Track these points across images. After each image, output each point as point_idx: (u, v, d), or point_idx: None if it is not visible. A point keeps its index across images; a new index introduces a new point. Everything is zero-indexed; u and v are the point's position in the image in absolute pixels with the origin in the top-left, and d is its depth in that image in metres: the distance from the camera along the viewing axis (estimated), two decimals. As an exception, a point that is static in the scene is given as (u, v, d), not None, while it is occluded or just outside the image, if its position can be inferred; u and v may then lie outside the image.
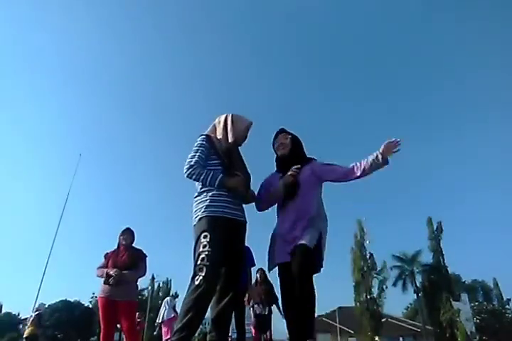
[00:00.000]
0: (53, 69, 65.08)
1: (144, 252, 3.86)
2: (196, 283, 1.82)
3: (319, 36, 64.91)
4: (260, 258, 4.42)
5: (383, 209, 55.93)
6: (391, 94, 59.43)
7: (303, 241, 2.10)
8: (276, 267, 2.31)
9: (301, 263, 2.03)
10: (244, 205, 2.26)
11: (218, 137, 2.28)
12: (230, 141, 2.24)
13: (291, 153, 2.44)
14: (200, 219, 2.02)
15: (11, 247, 56.26)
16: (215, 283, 1.91)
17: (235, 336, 4.68)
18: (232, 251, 2.03)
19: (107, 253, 3.82)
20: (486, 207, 50.51)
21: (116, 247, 3.84)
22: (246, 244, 4.53)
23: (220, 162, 2.13)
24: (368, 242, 24.59)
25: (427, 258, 26.15)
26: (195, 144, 2.19)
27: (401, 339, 17.60)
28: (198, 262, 1.88)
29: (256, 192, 2.42)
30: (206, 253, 1.88)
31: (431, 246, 24.86)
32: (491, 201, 51.36)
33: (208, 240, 1.92)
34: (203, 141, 2.19)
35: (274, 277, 5.77)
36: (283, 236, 2.28)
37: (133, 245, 3.87)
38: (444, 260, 24.30)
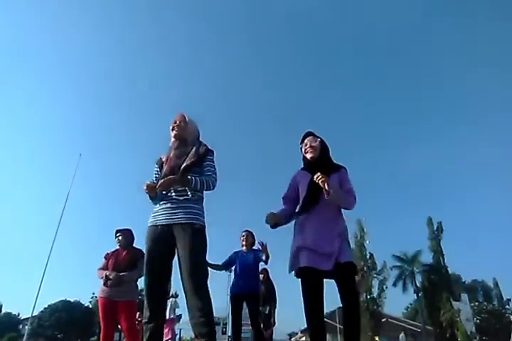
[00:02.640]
0: (52, 68, 65.13)
1: (144, 252, 3.85)
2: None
3: (320, 36, 64.94)
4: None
5: (383, 209, 55.97)
6: (390, 95, 59.46)
7: (349, 259, 2.12)
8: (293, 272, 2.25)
9: (354, 287, 2.14)
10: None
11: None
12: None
13: (321, 157, 2.44)
14: None
15: (11, 247, 56.27)
16: (152, 281, 2.19)
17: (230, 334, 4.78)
18: (166, 254, 2.22)
19: (107, 254, 3.84)
20: (486, 207, 50.59)
21: (116, 247, 3.85)
22: (255, 247, 4.43)
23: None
24: (368, 242, 24.63)
25: (427, 258, 26.19)
26: None
27: (402, 333, 17.57)
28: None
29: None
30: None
31: (431, 246, 24.89)
32: (491, 201, 51.43)
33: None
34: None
35: (274, 277, 5.75)
36: (313, 245, 2.19)
37: (133, 245, 3.87)
38: (444, 260, 24.34)
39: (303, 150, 2.51)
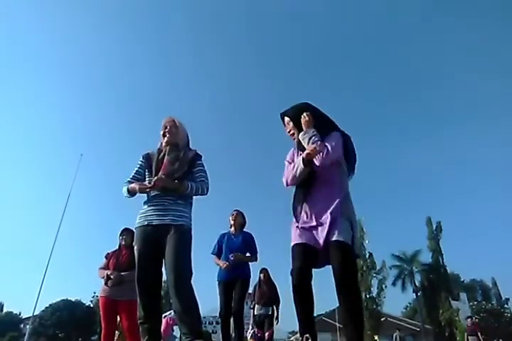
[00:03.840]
0: (53, 68, 65.10)
1: (135, 252, 3.89)
2: None
3: (321, 36, 64.86)
4: (264, 258, 4.33)
5: (383, 209, 55.98)
6: (391, 94, 59.43)
7: (340, 238, 1.86)
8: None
9: (346, 270, 1.82)
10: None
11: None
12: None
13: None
14: None
15: (13, 246, 56.33)
16: (143, 280, 2.28)
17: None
18: (164, 255, 2.23)
19: (108, 254, 3.87)
20: (485, 207, 50.61)
21: (117, 247, 3.88)
22: (247, 231, 4.06)
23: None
24: (367, 242, 24.67)
25: (426, 257, 26.27)
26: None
27: (397, 332, 17.59)
28: None
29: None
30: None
31: (430, 246, 24.94)
32: (490, 201, 51.43)
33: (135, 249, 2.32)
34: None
35: (275, 278, 5.69)
36: (306, 222, 2.04)
37: (133, 245, 3.92)
38: (443, 259, 24.41)
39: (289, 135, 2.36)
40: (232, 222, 4.15)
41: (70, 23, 58.22)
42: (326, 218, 1.96)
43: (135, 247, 2.32)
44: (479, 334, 12.45)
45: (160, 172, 2.31)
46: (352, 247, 1.90)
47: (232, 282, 3.88)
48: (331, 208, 1.98)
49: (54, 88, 63.72)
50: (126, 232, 3.91)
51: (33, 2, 62.42)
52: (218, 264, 4.02)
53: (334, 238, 1.88)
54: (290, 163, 2.22)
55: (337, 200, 2.00)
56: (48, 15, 60.22)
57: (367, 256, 24.39)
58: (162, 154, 2.41)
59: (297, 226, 2.08)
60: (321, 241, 1.93)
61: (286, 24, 63.48)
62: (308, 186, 2.10)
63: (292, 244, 2.03)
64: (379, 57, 58.43)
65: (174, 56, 66.52)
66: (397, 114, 58.46)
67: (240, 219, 4.17)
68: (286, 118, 2.30)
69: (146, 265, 2.24)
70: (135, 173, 2.48)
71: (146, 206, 2.37)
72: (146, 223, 2.29)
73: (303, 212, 2.09)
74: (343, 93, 61.08)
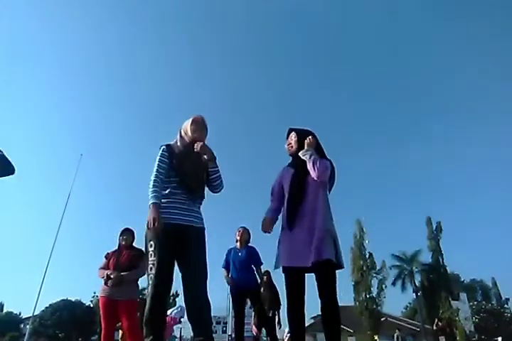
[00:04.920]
0: (54, 67, 65.13)
1: (145, 252, 3.90)
2: (149, 290, 2.09)
3: (322, 37, 64.87)
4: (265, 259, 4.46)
5: (383, 209, 55.99)
6: (390, 94, 59.42)
7: (327, 257, 2.11)
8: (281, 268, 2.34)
9: (331, 285, 2.15)
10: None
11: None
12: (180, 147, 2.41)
13: (299, 150, 2.49)
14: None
15: (13, 246, 56.33)
16: (163, 289, 2.11)
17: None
18: (187, 259, 2.18)
19: (108, 254, 3.88)
20: (485, 207, 50.61)
21: (116, 247, 3.89)
22: (251, 244, 4.48)
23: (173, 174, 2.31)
24: (367, 242, 24.69)
25: (426, 257, 26.24)
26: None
27: (397, 332, 17.68)
28: (148, 271, 2.13)
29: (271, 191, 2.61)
30: (153, 263, 2.12)
31: (430, 246, 24.91)
32: (490, 201, 51.45)
33: (152, 250, 2.15)
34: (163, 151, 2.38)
35: (276, 281, 5.72)
36: (295, 240, 2.26)
37: (133, 245, 3.91)
38: (443, 259, 24.37)
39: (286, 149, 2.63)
40: (238, 238, 4.51)
41: (71, 23, 58.24)
42: (314, 234, 2.19)
43: (154, 241, 2.16)
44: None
45: (184, 164, 2.30)
46: (335, 263, 2.18)
47: (244, 293, 4.32)
48: (318, 224, 2.21)
49: (54, 88, 63.72)
50: (127, 232, 3.92)
51: (33, 2, 62.42)
52: (226, 279, 4.43)
53: (322, 257, 2.11)
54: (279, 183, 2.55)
55: (322, 216, 2.25)
56: (48, 15, 60.22)
57: (367, 256, 24.39)
58: (187, 147, 2.37)
59: (286, 238, 2.33)
60: (310, 261, 2.14)
61: (287, 24, 63.48)
62: (300, 199, 2.32)
63: (284, 264, 2.29)
64: (379, 57, 58.44)
65: (175, 55, 66.54)
66: (397, 114, 58.48)
67: (245, 236, 4.51)
68: (294, 133, 2.58)
69: (167, 264, 2.14)
70: (160, 169, 2.30)
71: (168, 201, 2.25)
72: (169, 220, 2.18)
73: (293, 223, 2.31)
74: (344, 93, 61.11)
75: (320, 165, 2.30)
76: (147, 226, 2.13)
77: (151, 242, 2.16)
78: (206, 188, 2.44)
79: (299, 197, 2.31)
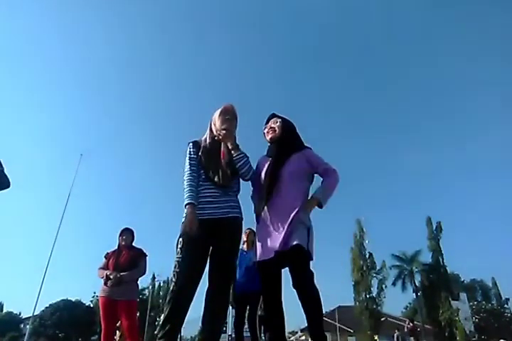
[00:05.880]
0: (56, 68, 65.09)
1: (145, 251, 3.91)
2: (171, 288, 2.03)
3: (324, 37, 64.79)
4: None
5: (383, 209, 56.04)
6: (395, 94, 59.42)
7: (297, 241, 1.98)
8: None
9: (305, 269, 2.00)
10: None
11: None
12: (208, 141, 2.33)
13: (281, 137, 2.32)
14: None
15: (13, 246, 56.40)
16: (186, 287, 2.03)
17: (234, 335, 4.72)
18: (216, 251, 2.13)
19: (107, 254, 3.88)
20: (485, 207, 50.67)
21: (116, 247, 3.89)
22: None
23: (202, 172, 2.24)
24: (367, 242, 24.70)
25: (426, 257, 26.23)
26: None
27: (397, 332, 17.69)
28: (173, 268, 2.06)
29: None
30: (178, 260, 2.05)
31: (430, 246, 24.90)
32: (490, 201, 51.48)
33: (180, 246, 2.08)
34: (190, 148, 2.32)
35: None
36: (268, 232, 2.14)
37: (133, 244, 3.92)
38: (443, 260, 24.35)
39: (264, 132, 2.41)
40: (244, 239, 4.48)
41: (76, 23, 58.22)
42: (286, 224, 2.06)
43: (183, 238, 2.10)
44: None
45: (213, 158, 2.25)
46: (307, 251, 2.02)
47: (247, 297, 4.31)
48: (292, 216, 2.07)
49: (56, 88, 63.67)
50: (126, 232, 3.93)
51: (37, 1, 62.34)
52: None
53: (293, 242, 1.98)
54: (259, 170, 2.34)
55: (298, 208, 2.09)
56: (53, 15, 60.19)
57: (367, 256, 24.44)
58: (214, 142, 2.31)
59: (260, 229, 2.20)
60: (279, 246, 2.03)
61: (287, 24, 63.43)
62: (273, 190, 2.18)
63: (258, 259, 2.15)
64: (380, 57, 58.40)
65: (180, 56, 66.50)
66: (397, 114, 58.46)
67: (252, 237, 4.44)
68: (279, 119, 2.38)
69: (194, 263, 2.07)
70: (191, 166, 2.25)
71: (202, 197, 2.19)
72: (203, 216, 2.12)
73: (265, 215, 2.19)
74: (345, 93, 61.06)
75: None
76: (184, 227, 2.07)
77: (180, 239, 2.10)
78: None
79: (271, 189, 2.17)
